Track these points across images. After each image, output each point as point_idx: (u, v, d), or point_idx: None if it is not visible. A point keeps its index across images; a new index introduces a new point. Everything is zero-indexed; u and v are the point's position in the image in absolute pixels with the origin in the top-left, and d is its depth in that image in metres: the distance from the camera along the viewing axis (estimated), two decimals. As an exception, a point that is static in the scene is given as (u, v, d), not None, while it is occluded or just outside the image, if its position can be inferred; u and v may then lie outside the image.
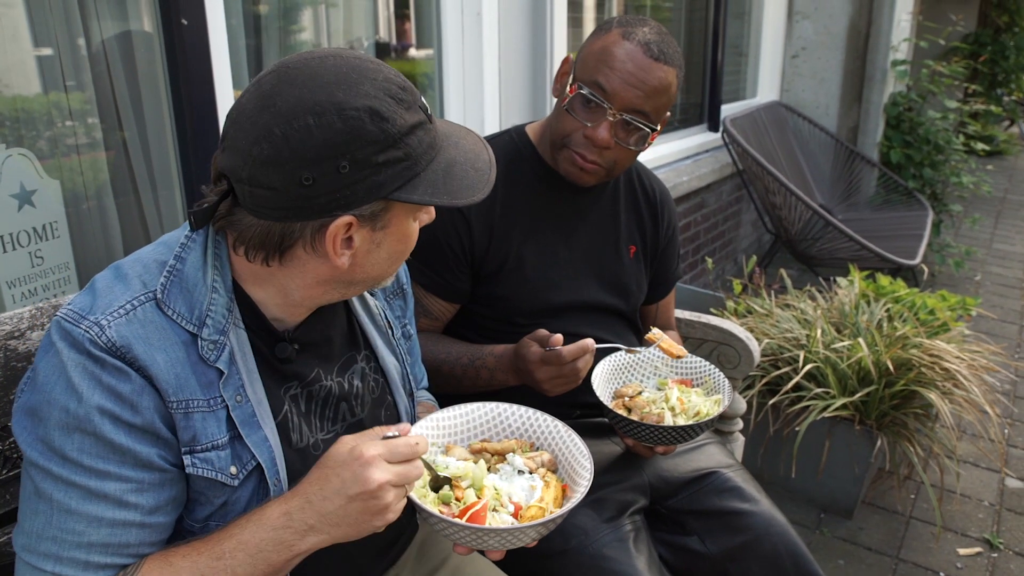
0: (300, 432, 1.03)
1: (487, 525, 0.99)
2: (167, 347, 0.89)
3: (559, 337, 1.33)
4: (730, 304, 3.01)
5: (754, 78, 5.30)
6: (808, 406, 2.47)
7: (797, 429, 2.47)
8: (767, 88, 5.34)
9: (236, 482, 0.94)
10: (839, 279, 3.14)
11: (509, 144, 1.61)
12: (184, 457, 0.91)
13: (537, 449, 1.22)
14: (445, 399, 1.46)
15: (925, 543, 2.55)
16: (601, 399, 1.43)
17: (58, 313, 0.89)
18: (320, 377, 1.06)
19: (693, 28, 4.57)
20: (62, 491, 0.85)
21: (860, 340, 2.53)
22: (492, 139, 1.64)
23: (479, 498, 1.05)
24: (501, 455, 1.18)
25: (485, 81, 2.63)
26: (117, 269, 0.94)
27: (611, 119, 1.41)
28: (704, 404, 1.43)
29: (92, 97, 1.70)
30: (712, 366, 1.52)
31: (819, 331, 2.64)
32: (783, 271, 3.32)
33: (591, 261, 1.64)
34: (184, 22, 1.66)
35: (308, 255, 0.92)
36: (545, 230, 1.59)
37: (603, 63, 1.41)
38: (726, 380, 1.48)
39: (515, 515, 1.05)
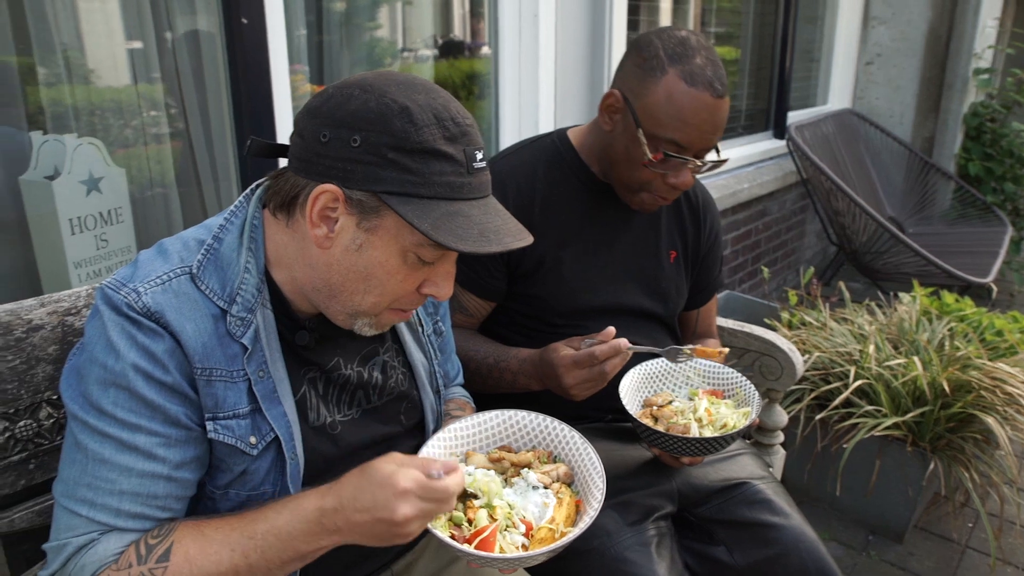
0: (318, 411, 1.08)
1: (495, 553, 1.01)
2: (197, 318, 0.95)
3: (611, 330, 1.32)
4: (784, 315, 2.94)
5: (825, 85, 5.15)
6: (858, 423, 2.39)
7: (845, 446, 2.40)
8: (839, 95, 5.18)
9: (255, 451, 1.00)
10: (901, 294, 3.03)
11: (551, 147, 1.62)
12: (207, 423, 0.97)
13: (555, 459, 1.22)
14: (474, 397, 1.48)
15: (981, 574, 2.44)
16: (627, 407, 1.42)
17: (103, 282, 0.97)
18: (340, 366, 1.10)
19: (763, 33, 4.47)
20: (97, 442, 0.92)
21: (916, 359, 2.44)
22: (533, 141, 1.65)
23: (492, 518, 1.06)
24: (519, 467, 1.18)
25: (540, 83, 2.65)
26: (160, 246, 1.02)
27: (691, 167, 1.45)
28: (732, 416, 1.40)
29: (159, 91, 1.79)
30: (744, 378, 1.50)
31: (872, 347, 2.55)
32: (842, 284, 3.22)
33: (630, 265, 1.64)
34: (244, 21, 1.73)
35: (302, 220, 0.97)
36: (584, 233, 1.60)
37: (676, 119, 1.40)
38: (756, 393, 1.45)
39: (526, 534, 1.06)
